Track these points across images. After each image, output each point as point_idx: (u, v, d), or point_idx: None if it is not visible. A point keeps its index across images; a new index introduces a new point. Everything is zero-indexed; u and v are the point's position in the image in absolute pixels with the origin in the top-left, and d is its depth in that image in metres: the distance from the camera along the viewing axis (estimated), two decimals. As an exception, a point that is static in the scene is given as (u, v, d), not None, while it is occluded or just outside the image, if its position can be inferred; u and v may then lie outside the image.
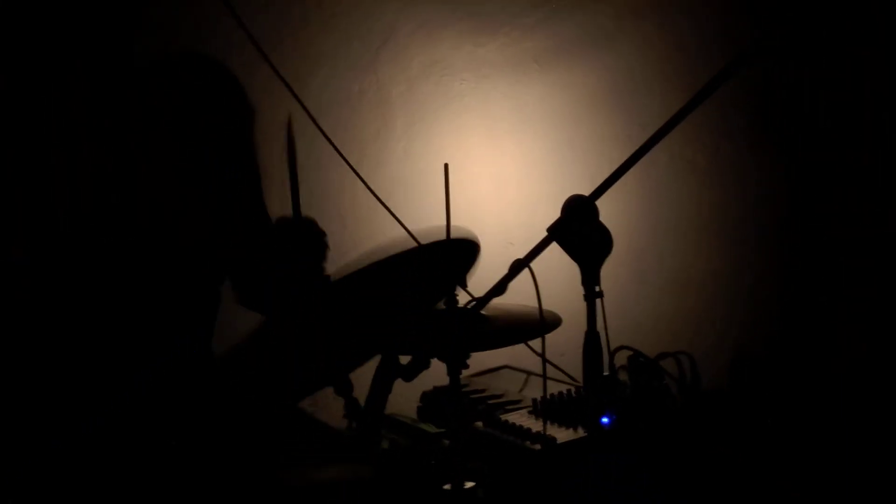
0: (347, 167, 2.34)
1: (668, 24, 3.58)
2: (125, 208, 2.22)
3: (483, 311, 2.19)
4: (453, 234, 2.35)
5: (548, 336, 2.12)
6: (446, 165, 2.24)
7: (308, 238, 2.49)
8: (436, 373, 2.25)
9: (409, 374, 2.30)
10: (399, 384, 2.36)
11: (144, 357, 2.23)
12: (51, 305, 2.15)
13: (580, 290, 2.05)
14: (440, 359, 2.17)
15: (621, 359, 2.47)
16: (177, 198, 2.30)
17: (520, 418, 2.39)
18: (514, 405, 2.61)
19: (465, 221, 3.28)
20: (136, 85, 2.22)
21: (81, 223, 2.17)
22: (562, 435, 2.27)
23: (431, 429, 2.56)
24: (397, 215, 2.35)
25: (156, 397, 2.20)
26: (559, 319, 2.23)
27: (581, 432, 2.27)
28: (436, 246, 2.37)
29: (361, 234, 3.21)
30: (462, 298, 2.26)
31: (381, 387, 2.36)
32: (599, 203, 2.05)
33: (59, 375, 2.13)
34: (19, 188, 2.13)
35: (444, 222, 2.28)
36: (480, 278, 2.21)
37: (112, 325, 2.20)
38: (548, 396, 2.43)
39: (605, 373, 2.22)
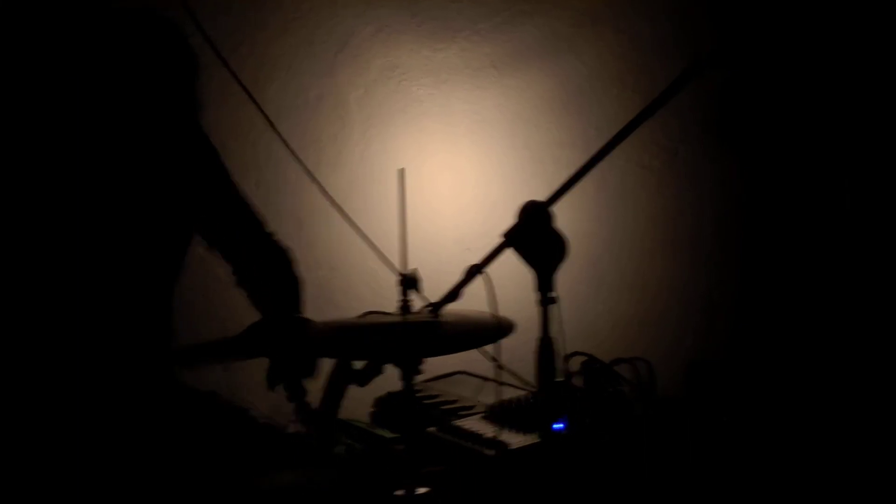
0: (304, 170, 2.33)
1: (625, 28, 3.60)
2: (125, 206, 2.20)
3: (438, 317, 2.18)
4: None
5: (503, 341, 2.11)
6: (401, 171, 2.23)
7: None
8: (390, 378, 2.24)
9: (363, 379, 2.28)
10: (353, 389, 2.35)
11: (142, 356, 2.23)
12: (50, 305, 2.13)
13: (536, 296, 2.05)
14: (394, 364, 2.17)
15: (576, 364, 2.47)
16: (176, 191, 2.29)
17: (474, 424, 2.39)
18: (468, 411, 2.61)
19: (423, 226, 3.29)
20: (133, 76, 2.20)
21: (81, 222, 2.15)
22: (515, 440, 2.27)
23: (385, 434, 2.55)
24: (353, 219, 2.34)
25: (152, 397, 2.20)
26: (513, 325, 2.23)
27: (535, 438, 2.28)
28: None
29: (317, 236, 3.20)
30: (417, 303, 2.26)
31: (335, 392, 2.34)
32: (556, 208, 2.05)
33: (57, 375, 2.11)
34: (19, 188, 2.12)
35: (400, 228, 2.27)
36: (436, 283, 2.21)
37: (111, 325, 2.19)
38: (502, 402, 2.43)
39: (560, 378, 2.22)
